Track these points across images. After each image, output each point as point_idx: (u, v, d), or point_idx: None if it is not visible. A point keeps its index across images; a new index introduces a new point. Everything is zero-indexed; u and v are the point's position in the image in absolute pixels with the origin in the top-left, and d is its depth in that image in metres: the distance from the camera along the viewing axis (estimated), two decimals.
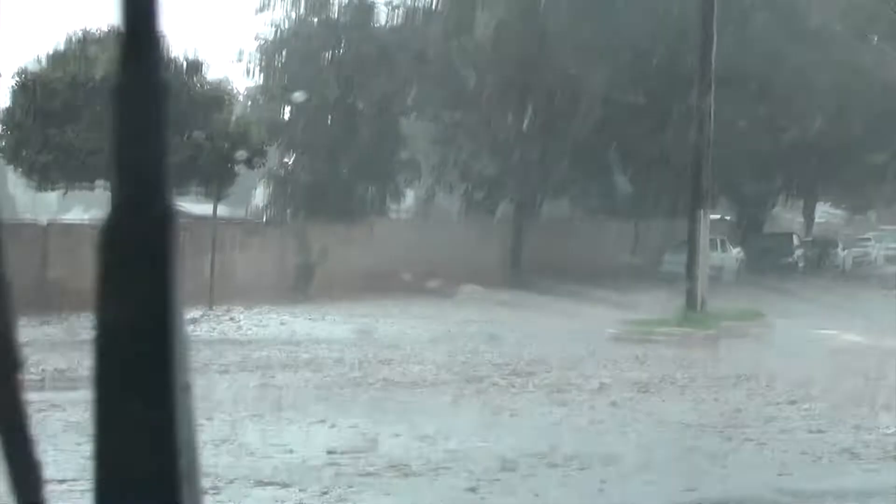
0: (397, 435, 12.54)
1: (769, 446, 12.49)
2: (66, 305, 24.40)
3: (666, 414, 14.63)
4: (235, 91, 33.68)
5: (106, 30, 29.93)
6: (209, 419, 12.56)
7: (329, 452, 11.52)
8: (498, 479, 10.60)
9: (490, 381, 17.67)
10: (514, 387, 17.09)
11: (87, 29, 29.94)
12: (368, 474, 10.73)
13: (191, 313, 28.60)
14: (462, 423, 13.74)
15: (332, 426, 13.27)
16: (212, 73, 32.55)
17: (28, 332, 21.73)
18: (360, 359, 20.25)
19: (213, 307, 29.88)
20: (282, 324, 27.41)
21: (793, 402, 15.47)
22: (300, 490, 10.14)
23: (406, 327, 26.19)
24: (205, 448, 11.43)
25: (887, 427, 13.45)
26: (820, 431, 13.28)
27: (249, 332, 25.97)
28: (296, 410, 14.34)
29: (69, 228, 33.44)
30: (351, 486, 10.29)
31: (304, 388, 16.72)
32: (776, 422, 14.05)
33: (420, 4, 45.10)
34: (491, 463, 11.08)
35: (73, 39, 29.67)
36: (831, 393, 16.33)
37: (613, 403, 15.39)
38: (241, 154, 29.98)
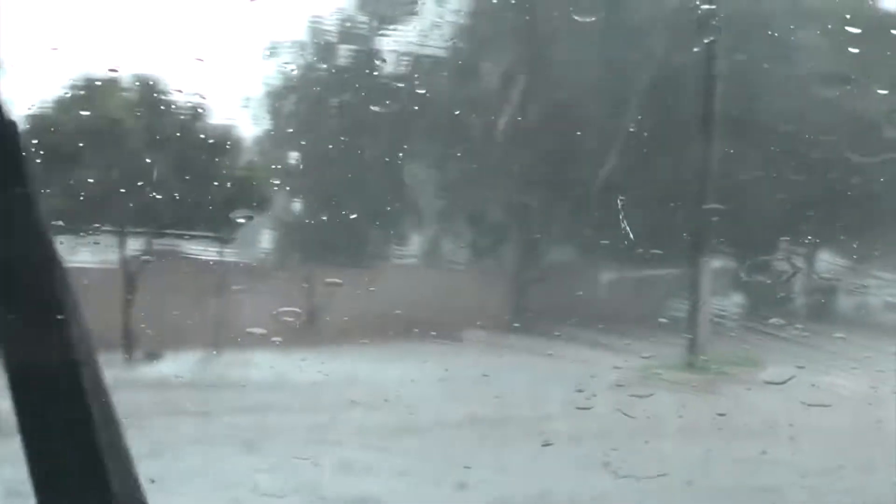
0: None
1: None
2: None
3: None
4: (241, 136, 33.86)
5: (110, 75, 30.16)
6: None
7: None
8: None
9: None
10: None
11: (91, 74, 30.18)
12: None
13: (196, 356, 28.72)
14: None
15: None
16: (218, 119, 32.70)
17: None
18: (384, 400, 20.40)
19: (218, 350, 29.95)
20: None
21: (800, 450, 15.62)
22: None
23: (415, 372, 26.17)
24: None
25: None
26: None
27: (257, 375, 25.98)
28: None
29: (76, 273, 33.47)
30: None
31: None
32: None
33: (427, 52, 45.33)
34: None
35: (79, 84, 29.88)
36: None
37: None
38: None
